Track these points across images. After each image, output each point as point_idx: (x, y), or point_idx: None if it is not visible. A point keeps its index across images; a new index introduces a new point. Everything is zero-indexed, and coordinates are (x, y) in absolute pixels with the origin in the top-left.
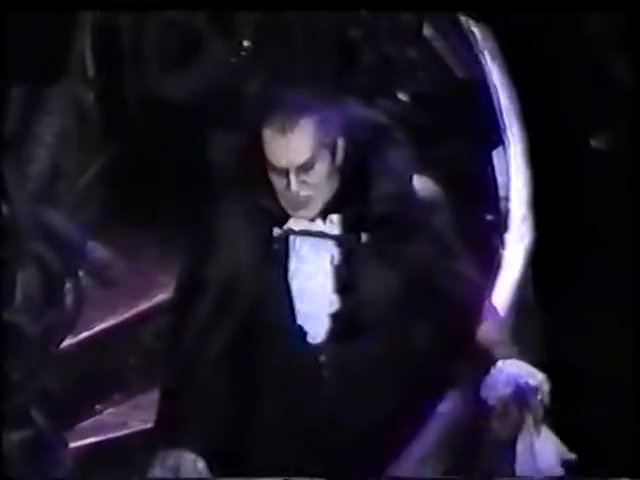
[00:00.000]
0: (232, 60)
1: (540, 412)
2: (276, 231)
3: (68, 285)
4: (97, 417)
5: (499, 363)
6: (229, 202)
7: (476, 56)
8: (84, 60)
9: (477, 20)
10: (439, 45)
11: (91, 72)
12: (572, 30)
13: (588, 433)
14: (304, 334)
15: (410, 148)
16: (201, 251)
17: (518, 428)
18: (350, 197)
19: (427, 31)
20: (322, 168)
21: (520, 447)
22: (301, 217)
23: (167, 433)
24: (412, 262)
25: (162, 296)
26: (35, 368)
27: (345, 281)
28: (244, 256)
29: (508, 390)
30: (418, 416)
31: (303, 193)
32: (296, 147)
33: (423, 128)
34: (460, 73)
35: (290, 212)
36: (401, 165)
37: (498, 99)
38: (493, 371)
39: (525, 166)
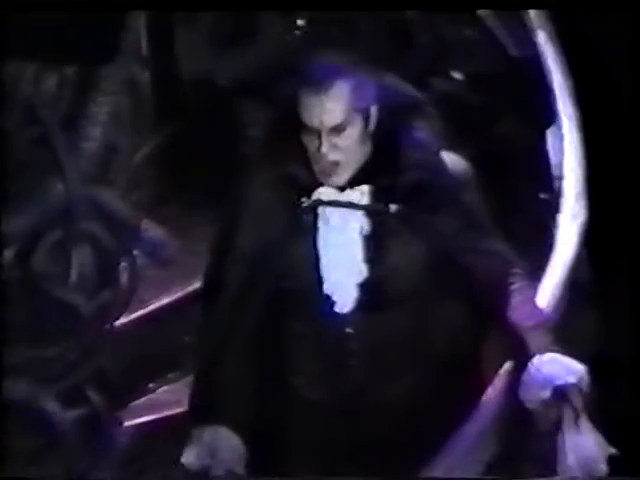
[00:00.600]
0: (287, 38)
1: (580, 408)
2: (305, 201)
3: (122, 264)
4: (151, 395)
5: (536, 360)
6: (260, 172)
7: (531, 35)
8: (139, 39)
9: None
10: (493, 24)
11: (145, 51)
12: (626, 11)
13: (634, 429)
14: (332, 303)
15: (441, 123)
16: (232, 223)
17: (558, 424)
18: (380, 168)
19: (481, 10)
20: (354, 133)
21: (560, 442)
22: (332, 184)
23: (201, 410)
24: (440, 234)
25: None
26: (90, 347)
27: (374, 251)
28: (274, 226)
29: (547, 393)
30: (446, 399)
31: (333, 157)
32: (330, 108)
33: (477, 107)
34: (514, 52)
35: (321, 179)
36: (432, 138)
37: (552, 78)
38: (531, 369)
39: (579, 145)
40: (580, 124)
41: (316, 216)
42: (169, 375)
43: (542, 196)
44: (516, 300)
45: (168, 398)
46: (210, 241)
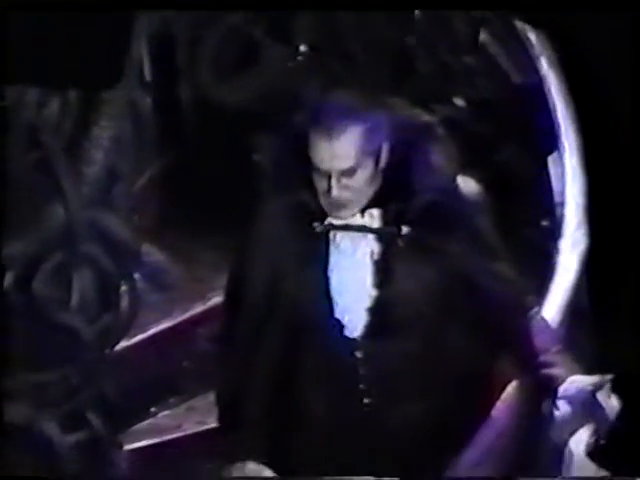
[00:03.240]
0: (289, 65)
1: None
2: (317, 226)
3: (123, 288)
4: (152, 420)
5: (564, 385)
6: (272, 200)
7: (532, 62)
8: (141, 64)
9: (534, 26)
10: (495, 51)
11: (148, 76)
12: (629, 36)
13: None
14: (341, 327)
15: (452, 145)
16: (247, 250)
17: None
18: (391, 192)
19: (483, 37)
20: (364, 174)
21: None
22: (340, 217)
23: (225, 438)
24: (451, 259)
25: (216, 300)
26: (90, 371)
27: (384, 275)
28: (287, 252)
29: (577, 419)
30: (456, 419)
31: (344, 196)
32: (341, 153)
33: (479, 133)
34: (517, 79)
35: (329, 213)
36: (443, 161)
37: (554, 105)
38: (560, 396)
39: (581, 172)
40: (582, 151)
41: (327, 241)
42: (170, 400)
43: (543, 223)
44: (537, 325)
45: (168, 422)
46: (228, 271)
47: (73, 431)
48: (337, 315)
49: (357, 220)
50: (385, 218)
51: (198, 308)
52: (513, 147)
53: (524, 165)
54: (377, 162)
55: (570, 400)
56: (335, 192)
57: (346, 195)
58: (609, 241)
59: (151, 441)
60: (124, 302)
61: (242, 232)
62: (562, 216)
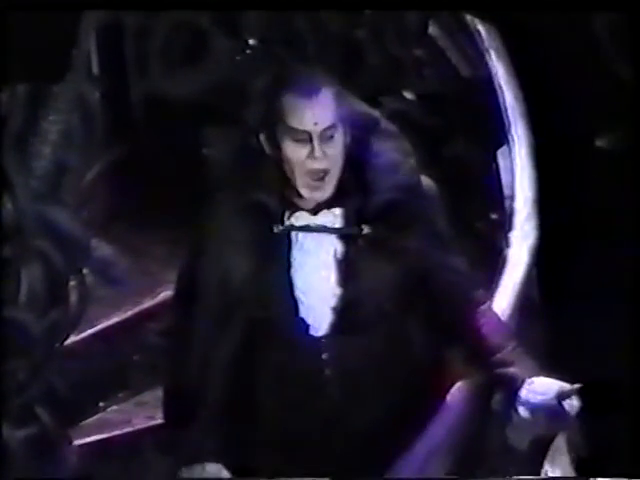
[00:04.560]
0: (237, 58)
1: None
2: (277, 228)
3: (72, 283)
4: (101, 415)
5: (525, 388)
6: (227, 199)
7: (482, 55)
8: (89, 58)
9: (482, 19)
10: (445, 44)
11: (96, 70)
12: (577, 30)
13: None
14: (307, 327)
15: (404, 139)
16: (200, 247)
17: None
18: (350, 190)
19: (433, 30)
20: (339, 141)
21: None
22: (315, 199)
23: (175, 434)
24: (410, 255)
25: (166, 294)
26: (39, 365)
27: (348, 274)
28: (245, 252)
29: (539, 426)
30: (420, 415)
31: (323, 164)
32: (321, 111)
33: (429, 127)
34: (465, 72)
35: (305, 193)
36: (397, 156)
37: (503, 98)
38: (522, 398)
39: (530, 165)
40: (531, 145)
41: (290, 242)
42: (119, 394)
43: (493, 216)
44: (489, 321)
45: (118, 417)
46: (179, 269)
47: (22, 426)
48: (302, 314)
49: (319, 220)
50: (346, 218)
51: (148, 302)
52: (462, 141)
53: (474, 158)
54: (345, 134)
55: (532, 407)
56: (317, 152)
57: (325, 164)
58: (558, 233)
59: (100, 436)
60: (73, 297)
61: (194, 227)
62: (512, 209)
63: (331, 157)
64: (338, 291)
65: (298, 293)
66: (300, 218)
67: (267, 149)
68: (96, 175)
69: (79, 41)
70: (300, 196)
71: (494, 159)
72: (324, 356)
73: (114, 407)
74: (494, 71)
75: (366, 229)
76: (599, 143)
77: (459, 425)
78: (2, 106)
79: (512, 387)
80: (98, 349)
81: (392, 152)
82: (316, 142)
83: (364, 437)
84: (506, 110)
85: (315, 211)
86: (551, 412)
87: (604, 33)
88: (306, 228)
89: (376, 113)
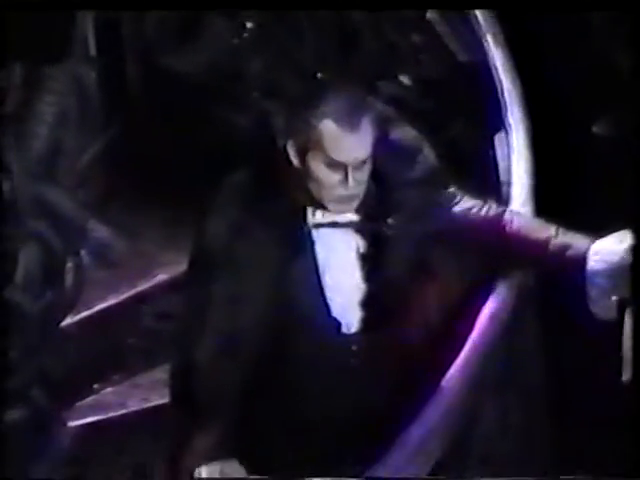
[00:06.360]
0: (234, 41)
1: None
2: (302, 225)
3: (69, 264)
4: (96, 396)
5: (591, 260)
6: (252, 199)
7: (479, 40)
8: (86, 39)
9: (480, 4)
10: (442, 29)
11: (93, 51)
12: (575, 15)
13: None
14: (339, 325)
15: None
16: (218, 246)
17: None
18: (370, 190)
19: (430, 15)
20: (369, 165)
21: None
22: (339, 212)
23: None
24: (425, 243)
25: (162, 276)
26: (35, 347)
27: (372, 269)
28: (273, 250)
29: (619, 282)
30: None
31: (352, 192)
32: (361, 144)
33: (425, 112)
34: (463, 57)
35: (330, 207)
36: (407, 150)
37: (501, 83)
38: (592, 270)
39: (527, 151)
40: (528, 131)
41: (312, 240)
42: (114, 376)
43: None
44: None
45: (113, 399)
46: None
47: (17, 407)
48: (334, 314)
49: (341, 217)
50: (365, 212)
51: (144, 285)
52: (459, 126)
53: (470, 144)
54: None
55: (605, 273)
56: (352, 183)
57: (356, 190)
58: (554, 220)
59: (95, 418)
60: (69, 278)
61: (198, 213)
62: (508, 195)
63: (361, 181)
64: (364, 286)
65: (329, 293)
66: (320, 216)
67: (295, 162)
68: (92, 156)
69: (76, 22)
70: (323, 207)
71: (491, 145)
72: (353, 348)
73: (109, 389)
74: (491, 56)
75: (388, 222)
76: (596, 129)
77: (454, 409)
78: None
79: (577, 266)
80: (94, 331)
81: (406, 146)
82: (350, 171)
83: (388, 427)
84: (503, 96)
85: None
86: (624, 270)
87: (600, 20)
88: (333, 224)
89: (389, 111)
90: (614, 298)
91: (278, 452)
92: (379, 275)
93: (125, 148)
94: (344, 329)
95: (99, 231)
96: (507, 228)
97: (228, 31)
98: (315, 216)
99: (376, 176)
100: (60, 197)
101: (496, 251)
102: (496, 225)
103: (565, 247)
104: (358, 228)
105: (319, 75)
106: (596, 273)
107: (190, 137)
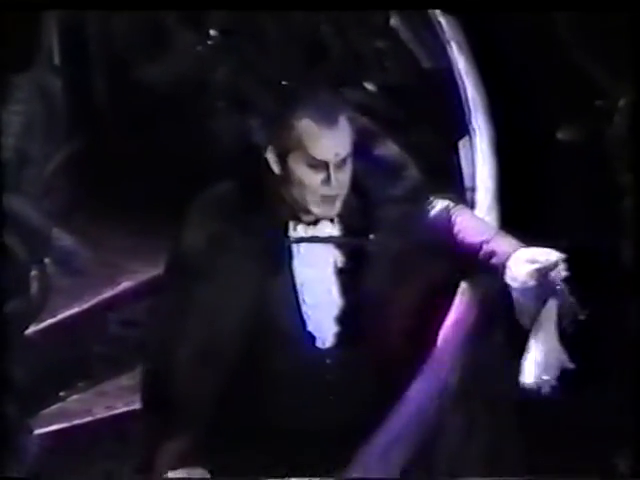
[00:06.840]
0: (199, 49)
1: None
2: (283, 239)
3: (33, 273)
4: (62, 404)
5: (513, 256)
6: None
7: (443, 47)
8: (51, 48)
9: (444, 11)
10: (406, 36)
11: (58, 60)
12: (538, 22)
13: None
14: (314, 340)
15: (402, 151)
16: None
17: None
18: (350, 201)
19: (394, 22)
20: (349, 166)
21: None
22: (322, 215)
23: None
24: (402, 255)
25: (127, 284)
26: None
27: (349, 284)
28: (250, 266)
29: (536, 302)
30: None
31: (334, 192)
32: (341, 141)
33: (390, 118)
34: (427, 63)
35: (315, 210)
36: (390, 165)
37: (465, 90)
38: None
39: (491, 157)
40: (492, 136)
41: (291, 254)
42: (79, 384)
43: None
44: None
45: (78, 407)
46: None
47: None
48: (310, 328)
49: (319, 231)
50: (344, 226)
51: (109, 292)
52: (423, 132)
53: (434, 150)
54: (351, 154)
55: (521, 282)
56: (334, 181)
57: (336, 190)
58: (518, 226)
59: (61, 425)
60: (34, 286)
61: (173, 222)
62: (473, 201)
63: (342, 182)
64: (340, 302)
65: (305, 308)
66: (301, 230)
67: (276, 168)
68: (57, 166)
69: (41, 31)
70: (307, 211)
71: (455, 151)
72: (327, 360)
73: (74, 397)
74: (455, 62)
75: (367, 238)
76: (560, 135)
77: (420, 415)
78: None
79: (498, 275)
80: (59, 339)
81: (384, 160)
82: (332, 170)
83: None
84: (467, 102)
85: (314, 222)
86: (541, 283)
87: (565, 26)
88: (314, 239)
89: (368, 124)
90: (531, 308)
91: (247, 461)
92: (355, 291)
93: (90, 157)
94: (319, 343)
95: (64, 240)
96: (453, 229)
97: (193, 40)
98: (297, 230)
99: (359, 191)
100: (25, 206)
101: (447, 252)
102: (446, 225)
103: (491, 254)
104: (339, 243)
105: (284, 83)
106: (511, 283)
107: (156, 147)
